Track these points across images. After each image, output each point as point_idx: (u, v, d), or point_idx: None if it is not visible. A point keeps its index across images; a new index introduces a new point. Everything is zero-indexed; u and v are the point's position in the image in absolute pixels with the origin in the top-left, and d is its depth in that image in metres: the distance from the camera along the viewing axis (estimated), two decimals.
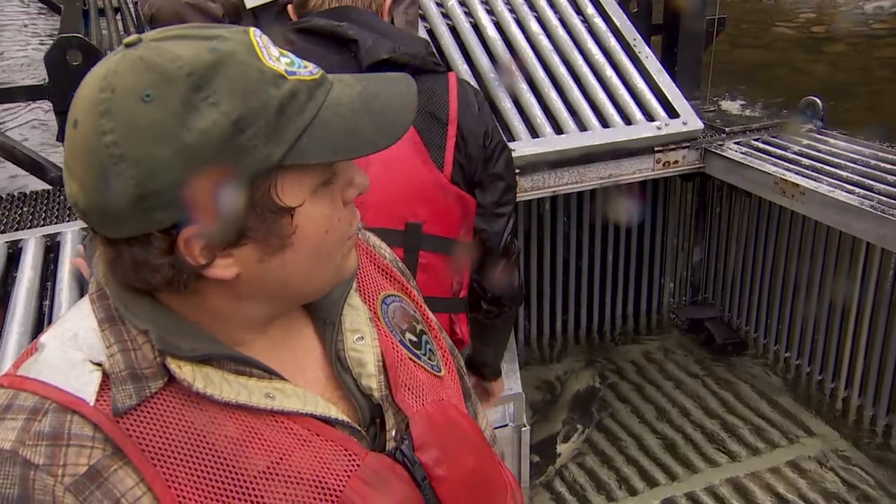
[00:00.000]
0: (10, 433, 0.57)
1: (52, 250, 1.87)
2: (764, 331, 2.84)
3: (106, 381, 0.60)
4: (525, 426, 2.12)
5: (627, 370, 2.93)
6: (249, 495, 0.60)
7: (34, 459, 0.56)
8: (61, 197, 2.26)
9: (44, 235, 1.91)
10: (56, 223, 2.05)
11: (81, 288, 1.65)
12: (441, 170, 1.28)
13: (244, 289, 0.62)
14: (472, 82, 2.51)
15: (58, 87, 2.28)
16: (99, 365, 0.61)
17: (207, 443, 0.60)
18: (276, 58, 0.60)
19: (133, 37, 0.59)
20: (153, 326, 0.61)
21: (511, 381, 2.35)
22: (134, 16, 3.55)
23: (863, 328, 2.43)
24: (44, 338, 0.63)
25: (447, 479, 0.70)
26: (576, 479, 2.43)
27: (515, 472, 2.16)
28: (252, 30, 0.61)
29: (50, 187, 2.41)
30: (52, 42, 2.25)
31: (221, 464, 0.60)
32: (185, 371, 0.61)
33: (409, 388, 0.73)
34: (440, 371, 0.80)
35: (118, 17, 3.82)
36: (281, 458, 0.62)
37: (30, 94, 2.56)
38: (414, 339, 0.79)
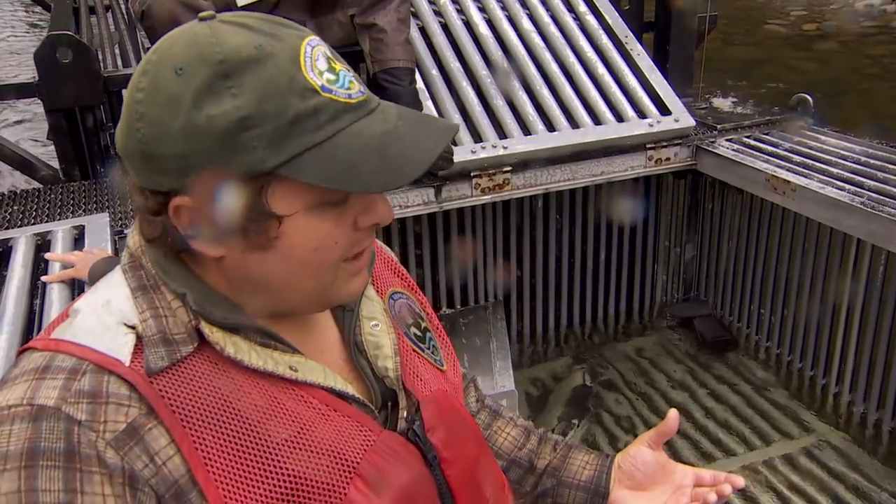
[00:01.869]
0: (52, 391, 0.59)
1: (42, 249, 1.86)
2: (756, 327, 2.85)
3: (139, 344, 0.63)
4: None
5: (621, 367, 2.94)
6: (272, 462, 0.63)
7: (77, 416, 0.58)
8: (52, 195, 2.25)
9: (34, 234, 1.91)
10: (46, 222, 2.04)
11: (73, 286, 1.64)
12: None
13: (230, 273, 0.65)
14: (465, 80, 2.52)
15: (48, 85, 2.26)
16: (132, 328, 0.64)
17: (234, 409, 0.63)
18: (320, 72, 0.61)
19: (209, 12, 0.62)
20: (190, 291, 0.64)
21: (504, 379, 2.36)
22: (125, 13, 3.54)
23: (853, 324, 2.44)
24: (77, 304, 0.67)
25: (455, 461, 0.74)
26: None
27: None
28: (309, 37, 0.62)
29: (40, 185, 2.40)
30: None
31: (246, 430, 0.63)
32: (216, 335, 0.64)
33: (416, 375, 0.77)
34: (443, 366, 0.83)
35: (109, 14, 3.80)
36: (303, 429, 0.65)
37: (20, 91, 2.55)
38: (418, 333, 0.82)
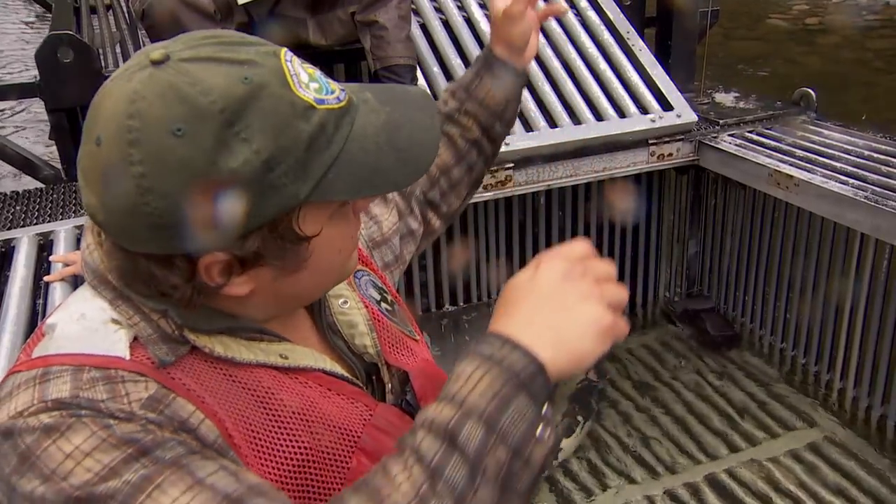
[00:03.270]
0: (64, 385, 0.57)
1: (45, 249, 1.86)
2: (759, 322, 2.84)
3: (134, 341, 0.61)
4: None
5: (625, 363, 2.94)
6: (286, 434, 0.63)
7: (97, 396, 0.56)
8: (54, 195, 2.25)
9: (37, 234, 1.91)
10: (49, 221, 2.04)
11: (75, 286, 1.64)
12: None
13: (254, 300, 0.64)
14: None
15: (49, 85, 2.26)
16: (118, 323, 0.61)
17: (240, 389, 0.63)
18: (306, 84, 0.58)
19: (159, 52, 0.56)
20: (170, 306, 0.62)
21: None
22: (126, 13, 3.53)
23: (857, 319, 2.43)
24: (50, 320, 0.64)
25: None
26: (577, 473, 2.43)
27: None
28: (283, 53, 0.59)
29: (42, 185, 2.40)
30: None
31: (255, 405, 0.63)
32: (202, 339, 0.63)
33: (398, 349, 0.78)
34: (415, 336, 0.84)
35: (110, 13, 3.80)
36: (310, 404, 0.66)
37: (22, 92, 2.55)
38: (388, 307, 0.83)
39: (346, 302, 0.77)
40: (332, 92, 0.60)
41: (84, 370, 0.58)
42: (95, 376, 0.58)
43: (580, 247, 0.65)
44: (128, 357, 0.60)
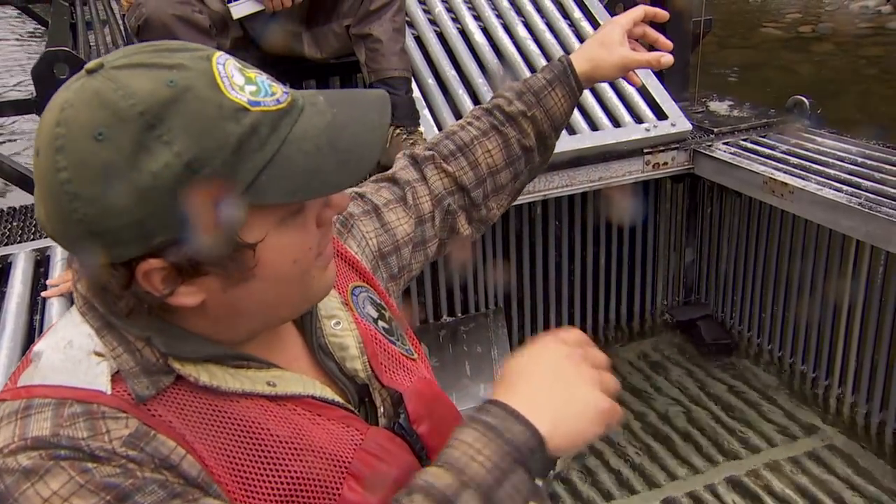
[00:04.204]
0: (45, 422, 0.56)
1: (41, 265, 1.86)
2: (757, 330, 2.85)
3: (116, 375, 0.61)
4: None
5: (622, 372, 2.93)
6: (274, 463, 0.63)
7: (78, 434, 0.56)
8: None
9: (33, 250, 1.91)
10: (45, 237, 2.04)
11: (71, 302, 1.64)
12: None
13: (214, 312, 0.62)
14: (461, 89, 2.52)
15: (46, 101, 2.26)
16: (101, 355, 0.61)
17: (224, 421, 0.62)
18: (240, 87, 0.57)
19: (95, 62, 0.56)
20: (153, 333, 0.61)
21: None
22: (122, 28, 3.55)
23: (854, 325, 2.44)
24: (37, 347, 0.63)
25: (438, 449, 0.73)
26: (575, 482, 2.43)
27: None
28: (216, 56, 0.58)
29: None
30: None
31: (238, 438, 0.62)
32: (188, 368, 0.62)
33: (393, 369, 0.77)
34: (413, 355, 0.83)
35: (106, 29, 3.82)
36: (298, 432, 0.65)
37: (18, 108, 2.55)
38: (386, 325, 0.81)
39: (338, 323, 0.75)
40: (272, 94, 0.58)
41: (66, 404, 0.58)
42: (76, 412, 0.57)
43: (576, 333, 0.68)
44: (109, 391, 0.59)
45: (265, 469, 0.62)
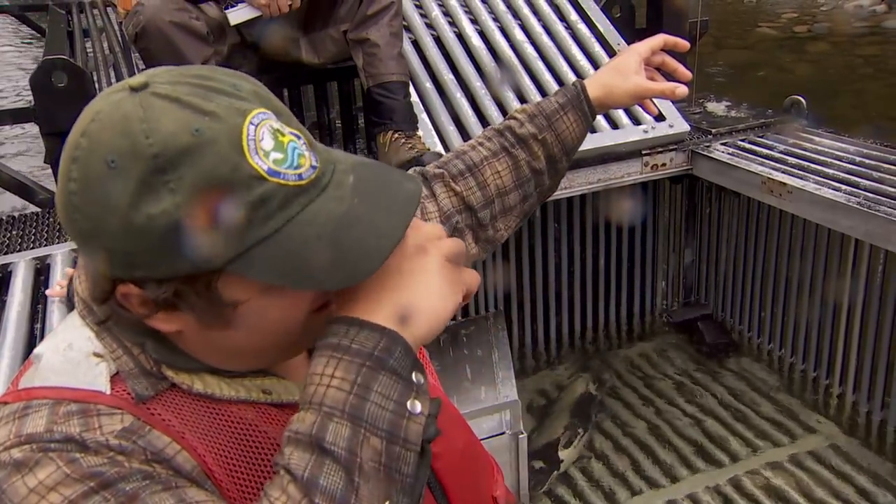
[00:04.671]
0: (40, 420, 0.57)
1: (42, 273, 1.86)
2: (757, 330, 2.85)
3: (115, 376, 0.61)
4: (522, 433, 2.12)
5: (624, 373, 2.94)
6: (268, 464, 0.62)
7: (71, 430, 0.56)
8: (50, 219, 2.25)
9: (34, 258, 1.91)
10: (45, 246, 2.04)
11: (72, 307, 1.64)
12: None
13: (194, 346, 0.62)
14: (459, 92, 2.53)
15: (44, 110, 2.27)
16: (101, 356, 0.61)
17: (224, 421, 0.62)
18: (266, 153, 0.55)
19: (141, 79, 0.55)
20: (147, 340, 0.62)
21: (507, 389, 2.35)
22: (119, 35, 3.55)
23: (854, 324, 2.44)
24: (38, 350, 0.64)
25: (442, 454, 0.73)
26: (578, 484, 2.43)
27: (514, 479, 2.15)
28: (253, 113, 0.55)
29: (39, 210, 2.41)
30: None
31: (240, 438, 0.62)
32: (181, 377, 0.62)
33: None
34: None
35: (103, 37, 3.82)
36: None
37: (16, 116, 2.55)
38: None
39: None
40: (297, 167, 0.56)
41: (63, 404, 0.58)
42: (72, 410, 0.58)
43: (427, 227, 0.63)
44: (108, 392, 0.60)
45: (261, 471, 0.62)
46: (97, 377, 0.60)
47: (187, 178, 0.52)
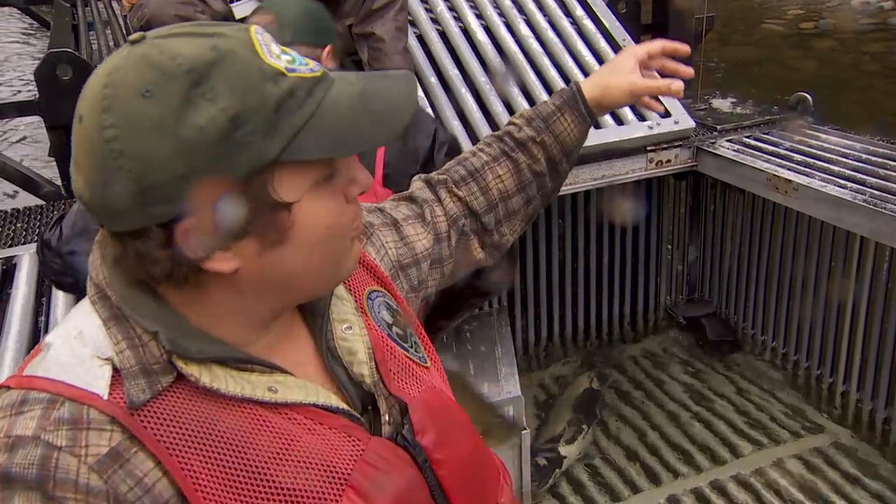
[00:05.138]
0: (30, 422, 0.58)
1: None
2: (761, 327, 2.84)
3: (116, 376, 0.61)
4: (525, 429, 2.12)
5: (627, 370, 2.94)
6: (262, 478, 0.62)
7: (56, 442, 0.57)
8: (55, 212, 2.25)
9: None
10: None
11: (77, 303, 1.65)
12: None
13: (245, 284, 0.64)
14: (464, 87, 2.52)
15: (49, 103, 2.27)
16: (107, 360, 0.62)
17: (218, 431, 0.62)
18: (277, 55, 0.61)
19: (138, 34, 0.60)
20: (162, 328, 0.62)
21: (510, 385, 2.35)
22: (124, 29, 3.55)
23: (859, 322, 2.43)
24: (49, 337, 0.65)
25: (446, 461, 0.73)
26: (581, 481, 2.43)
27: (517, 475, 2.15)
28: (253, 27, 0.62)
29: (43, 202, 2.41)
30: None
31: (232, 450, 0.62)
32: (191, 368, 0.62)
33: (402, 377, 0.76)
34: (427, 362, 0.82)
35: (108, 30, 3.82)
36: (289, 443, 0.64)
37: (21, 109, 2.56)
38: (400, 332, 0.81)
39: (349, 328, 0.75)
40: (307, 64, 0.62)
41: (56, 404, 0.59)
42: (63, 417, 0.58)
43: None
44: (106, 396, 0.60)
45: (256, 483, 0.62)
46: (98, 379, 0.61)
47: (221, 86, 0.57)
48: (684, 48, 1.05)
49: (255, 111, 0.58)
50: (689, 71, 1.05)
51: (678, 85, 1.02)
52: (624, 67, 1.01)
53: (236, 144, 0.57)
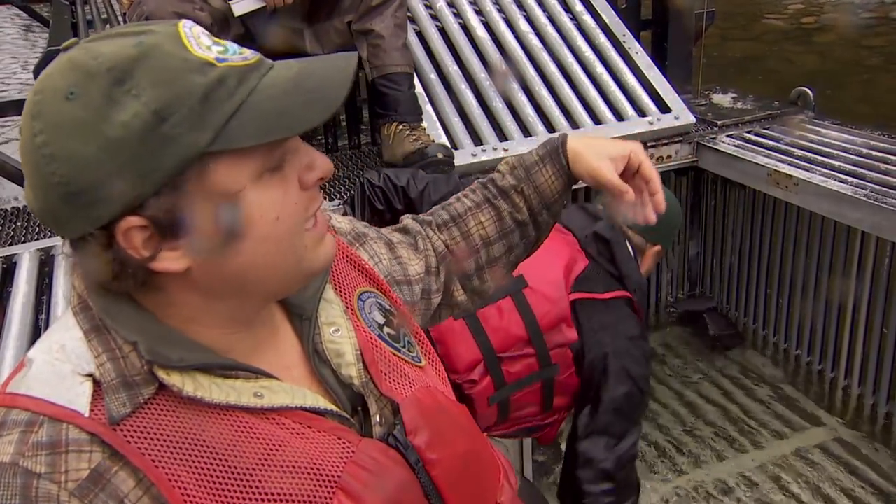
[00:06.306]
0: (8, 447, 0.57)
1: (46, 264, 1.86)
2: (763, 322, 2.84)
3: (97, 391, 0.60)
4: None
5: None
6: (249, 485, 0.61)
7: (35, 469, 0.56)
8: None
9: (38, 249, 1.91)
10: (50, 237, 2.04)
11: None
12: None
13: (202, 283, 0.62)
14: (463, 83, 2.52)
15: None
16: (88, 376, 0.61)
17: (203, 441, 0.61)
18: (207, 47, 0.59)
19: (72, 40, 0.60)
20: (141, 337, 0.61)
21: None
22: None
23: (860, 317, 2.43)
24: (31, 353, 0.64)
25: (440, 461, 0.71)
26: None
27: (518, 470, 2.15)
28: (182, 22, 0.61)
29: None
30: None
31: (217, 459, 0.61)
32: (173, 378, 0.61)
33: (393, 377, 0.75)
34: (421, 362, 0.81)
35: (107, 27, 3.81)
36: (275, 450, 0.63)
37: (20, 108, 2.55)
38: (392, 332, 0.80)
39: (337, 330, 0.74)
40: (240, 53, 0.61)
41: (35, 426, 0.58)
42: (42, 442, 0.57)
43: None
44: (87, 413, 0.59)
45: (245, 490, 0.61)
46: (79, 396, 0.60)
47: (145, 80, 0.56)
48: (658, 203, 1.00)
49: (181, 102, 0.56)
50: (659, 206, 1.00)
51: (630, 196, 0.96)
52: (608, 151, 0.96)
53: (164, 138, 0.56)
